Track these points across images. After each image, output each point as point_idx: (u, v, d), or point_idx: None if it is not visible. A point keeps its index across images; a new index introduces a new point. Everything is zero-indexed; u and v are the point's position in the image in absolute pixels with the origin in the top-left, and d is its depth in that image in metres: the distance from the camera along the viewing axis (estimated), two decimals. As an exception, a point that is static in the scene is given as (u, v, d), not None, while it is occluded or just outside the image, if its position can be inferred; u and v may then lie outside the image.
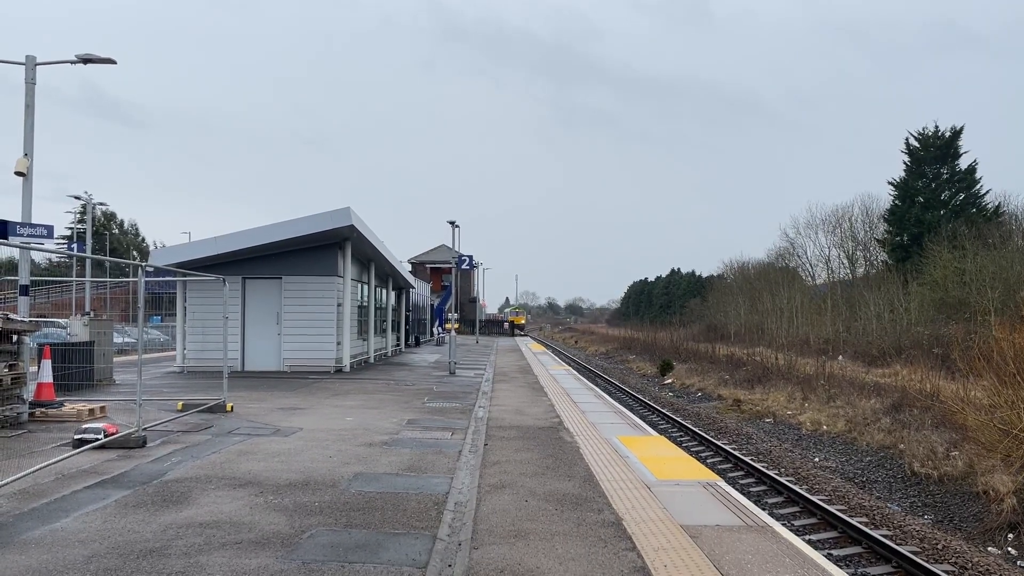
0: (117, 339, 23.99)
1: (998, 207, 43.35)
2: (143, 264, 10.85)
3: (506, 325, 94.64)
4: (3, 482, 6.76)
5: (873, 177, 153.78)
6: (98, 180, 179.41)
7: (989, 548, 10.43)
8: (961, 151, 45.62)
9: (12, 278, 15.55)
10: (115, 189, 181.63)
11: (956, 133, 45.73)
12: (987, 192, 44.70)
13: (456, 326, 29.30)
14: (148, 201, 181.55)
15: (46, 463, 7.88)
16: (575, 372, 26.30)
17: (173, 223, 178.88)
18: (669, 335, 57.51)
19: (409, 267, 60.29)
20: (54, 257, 59.84)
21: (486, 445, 10.31)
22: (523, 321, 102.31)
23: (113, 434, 9.49)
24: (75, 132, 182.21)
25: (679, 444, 16.65)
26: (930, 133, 46.51)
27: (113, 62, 14.66)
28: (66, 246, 51.48)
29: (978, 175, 45.04)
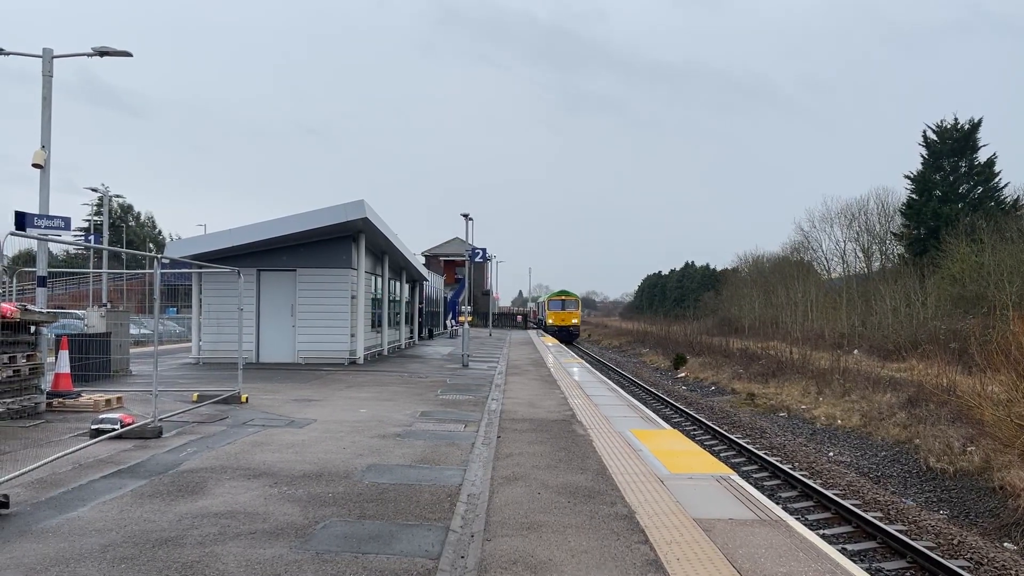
0: (133, 330, 24.15)
1: (1017, 200, 42.92)
2: (159, 256, 10.92)
3: (519, 318, 77.91)
4: (21, 471, 6.83)
5: (889, 171, 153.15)
6: (102, 169, 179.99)
7: (1005, 544, 10.34)
8: (980, 144, 45.19)
9: (30, 269, 15.69)
10: (118, 178, 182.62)
11: (975, 126, 45.26)
12: (1006, 185, 44.33)
13: (469, 319, 29.34)
14: (150, 191, 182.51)
15: (63, 453, 7.95)
16: (588, 365, 26.28)
17: (175, 213, 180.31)
18: (683, 328, 57.33)
19: (423, 260, 60.39)
20: (71, 249, 60.38)
21: (499, 437, 10.32)
22: (578, 320, 61.18)
23: (129, 424, 9.57)
24: (74, 120, 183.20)
25: (692, 438, 16.61)
26: (948, 125, 46.06)
27: (129, 55, 14.75)
28: (83, 238, 51.93)
29: (997, 168, 44.65)
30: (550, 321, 59.37)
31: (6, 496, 6.23)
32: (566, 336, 56.81)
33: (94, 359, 15.94)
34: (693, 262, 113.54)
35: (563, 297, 61.43)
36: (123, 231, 68.85)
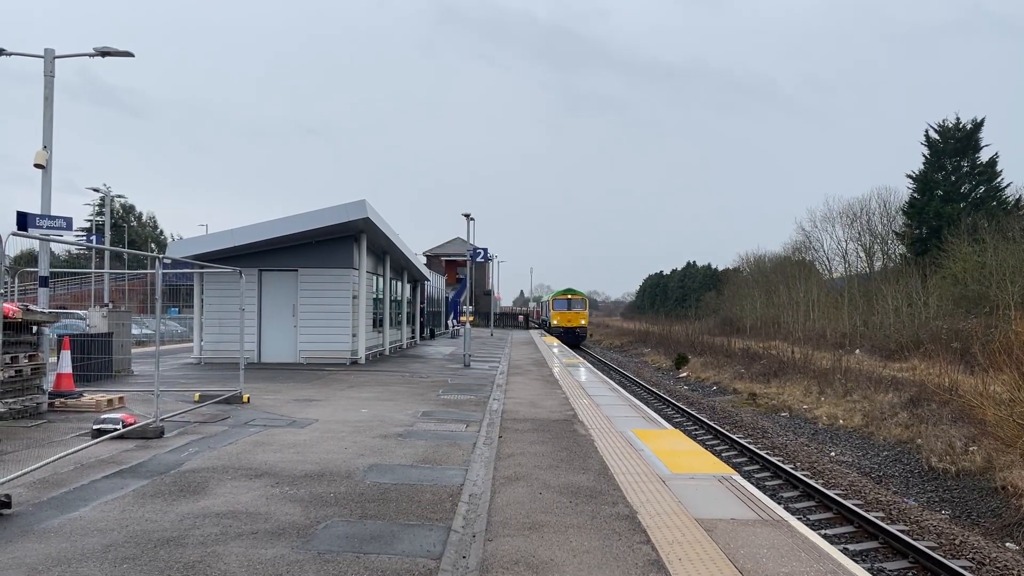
0: (135, 330, 24.20)
1: (1019, 200, 42.89)
2: (161, 256, 10.92)
3: (520, 318, 75.19)
4: (23, 471, 6.84)
5: (891, 170, 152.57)
6: (103, 169, 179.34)
7: (1007, 544, 10.33)
8: (982, 143, 45.18)
9: (32, 269, 15.72)
10: (119, 178, 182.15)
11: (977, 125, 45.24)
12: (1008, 185, 44.30)
13: (471, 319, 29.33)
14: (151, 191, 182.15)
15: (65, 453, 7.96)
16: (589, 365, 26.26)
17: (177, 213, 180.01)
18: (684, 328, 57.33)
19: (424, 260, 60.36)
20: (73, 249, 60.46)
21: (500, 437, 10.32)
22: (586, 321, 56.70)
23: (131, 424, 9.58)
24: (75, 120, 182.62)
25: (694, 438, 16.61)
26: (951, 125, 46.04)
27: (131, 55, 14.76)
28: (85, 238, 52.00)
29: (999, 168, 44.63)
30: (555, 322, 54.57)
31: (8, 496, 6.24)
32: (572, 338, 52.22)
33: (96, 359, 15.96)
34: (695, 262, 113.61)
35: (569, 296, 56.12)
36: (125, 231, 68.93)
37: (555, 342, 42.59)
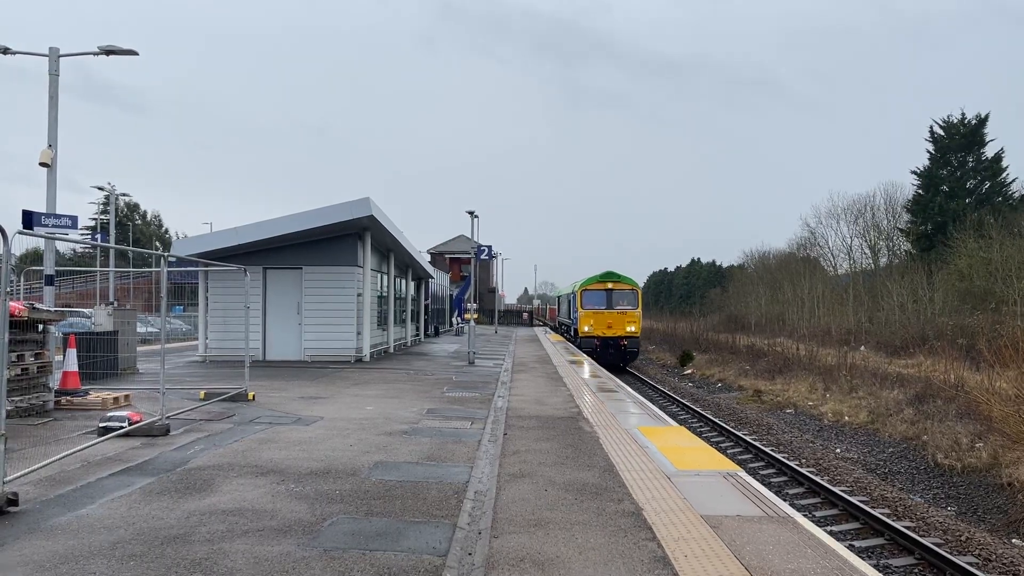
0: (140, 328, 24.25)
1: (1025, 195, 42.78)
2: (166, 254, 10.93)
3: (525, 315, 73.16)
4: (30, 469, 6.86)
5: (896, 165, 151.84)
6: (106, 167, 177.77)
7: (1014, 540, 10.31)
8: (987, 139, 45.05)
9: (37, 268, 15.76)
10: (122, 177, 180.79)
11: (982, 121, 45.11)
12: (1013, 180, 44.19)
13: (475, 316, 29.25)
14: (155, 188, 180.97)
15: (72, 450, 7.98)
16: (594, 362, 26.24)
17: (181, 212, 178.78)
18: (689, 325, 57.27)
19: (428, 257, 60.48)
20: (78, 247, 60.63)
21: (505, 435, 10.32)
22: (637, 327, 33.26)
23: (137, 422, 9.60)
24: (74, 117, 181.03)
25: (699, 434, 16.60)
26: (955, 120, 45.90)
27: (135, 53, 14.77)
28: (90, 237, 52.14)
29: (1004, 163, 44.50)
30: (586, 328, 33.35)
31: (15, 494, 6.26)
32: (617, 357, 32.78)
33: (102, 357, 16.00)
34: (699, 259, 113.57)
35: (610, 284, 34.15)
36: (130, 229, 69.12)
37: (559, 338, 41.35)
